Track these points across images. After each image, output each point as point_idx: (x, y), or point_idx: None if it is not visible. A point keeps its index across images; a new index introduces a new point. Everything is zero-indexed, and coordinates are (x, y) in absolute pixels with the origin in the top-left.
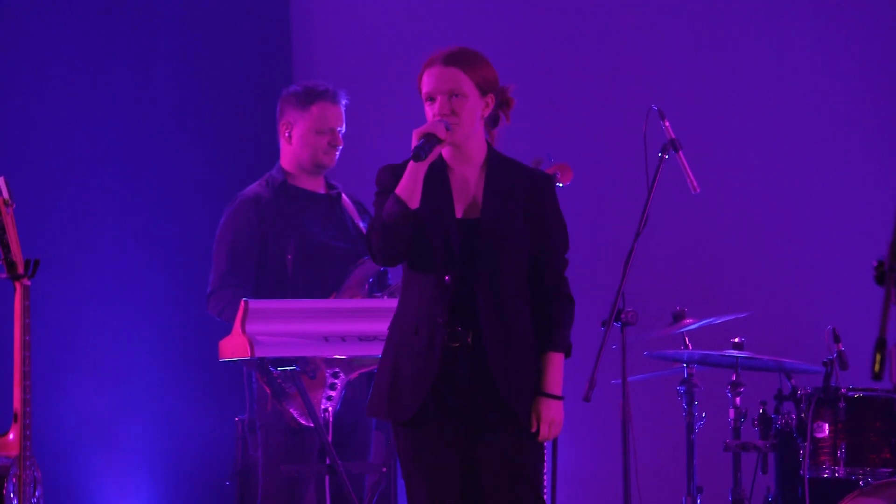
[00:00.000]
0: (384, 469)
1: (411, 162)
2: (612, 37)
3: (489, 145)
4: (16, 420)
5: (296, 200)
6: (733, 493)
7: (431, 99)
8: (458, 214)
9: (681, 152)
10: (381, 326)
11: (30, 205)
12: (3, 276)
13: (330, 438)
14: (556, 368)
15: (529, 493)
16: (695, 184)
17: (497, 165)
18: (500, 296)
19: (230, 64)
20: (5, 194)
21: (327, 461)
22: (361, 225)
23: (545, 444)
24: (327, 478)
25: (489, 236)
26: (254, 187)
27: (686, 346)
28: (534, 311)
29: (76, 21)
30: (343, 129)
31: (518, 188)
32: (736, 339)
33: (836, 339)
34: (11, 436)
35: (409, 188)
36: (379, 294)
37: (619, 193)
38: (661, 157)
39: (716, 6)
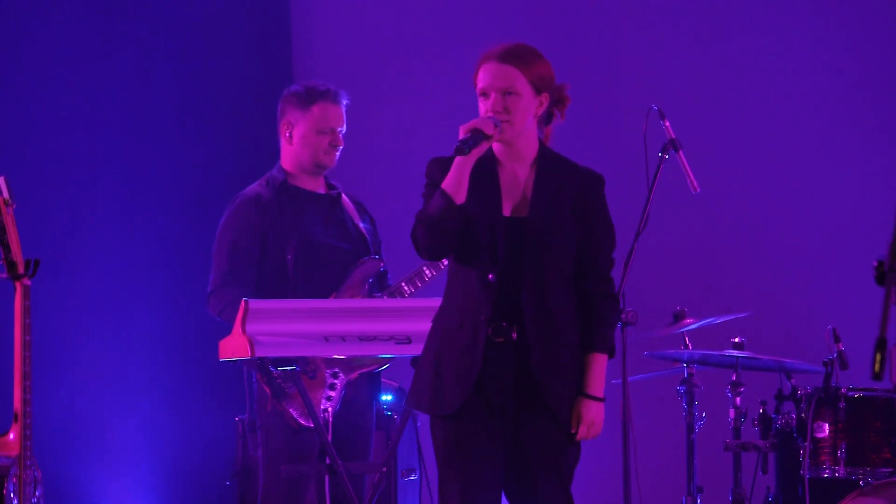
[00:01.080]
0: (384, 469)
1: (458, 158)
2: (612, 37)
3: (541, 143)
4: (16, 420)
5: (296, 200)
6: (733, 493)
7: (485, 94)
8: (507, 212)
9: (681, 152)
10: (382, 326)
11: (30, 205)
12: (3, 276)
13: (329, 438)
14: (598, 369)
15: (560, 493)
16: (695, 184)
17: (548, 163)
18: (544, 294)
19: (230, 64)
20: (5, 194)
21: (327, 461)
22: (362, 225)
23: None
24: (327, 478)
25: (536, 235)
26: (254, 187)
27: (686, 346)
28: (578, 311)
29: (76, 21)
30: (344, 129)
31: (568, 186)
32: (736, 339)
33: (836, 339)
34: (11, 436)
35: (455, 183)
36: (379, 294)
37: (619, 193)
38: (661, 157)
39: (716, 6)
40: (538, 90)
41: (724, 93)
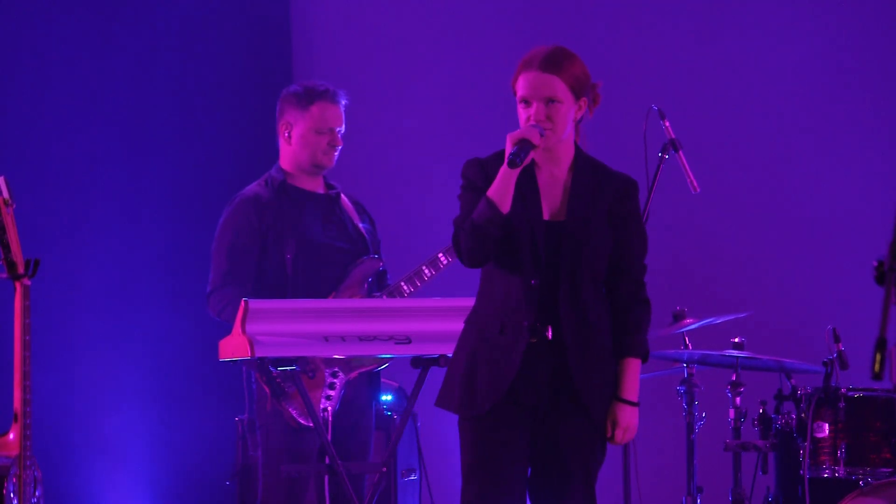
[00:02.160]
0: (384, 469)
1: (504, 166)
2: (612, 37)
3: (577, 146)
4: (16, 420)
5: (295, 200)
6: (733, 493)
7: (527, 102)
8: (546, 216)
9: (681, 152)
10: (381, 326)
11: (30, 205)
12: (3, 276)
13: (329, 438)
14: (633, 374)
15: (586, 491)
16: (695, 184)
17: (584, 167)
18: (580, 297)
19: (230, 64)
20: (5, 194)
21: (327, 461)
22: (361, 225)
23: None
24: (327, 477)
25: (574, 239)
26: (253, 187)
27: (686, 346)
28: (612, 315)
29: (76, 22)
30: (343, 129)
31: (604, 190)
32: (736, 339)
33: (836, 339)
34: (11, 436)
35: (502, 192)
36: (378, 294)
37: None
38: (661, 157)
39: (716, 6)
40: (577, 95)
41: (724, 93)
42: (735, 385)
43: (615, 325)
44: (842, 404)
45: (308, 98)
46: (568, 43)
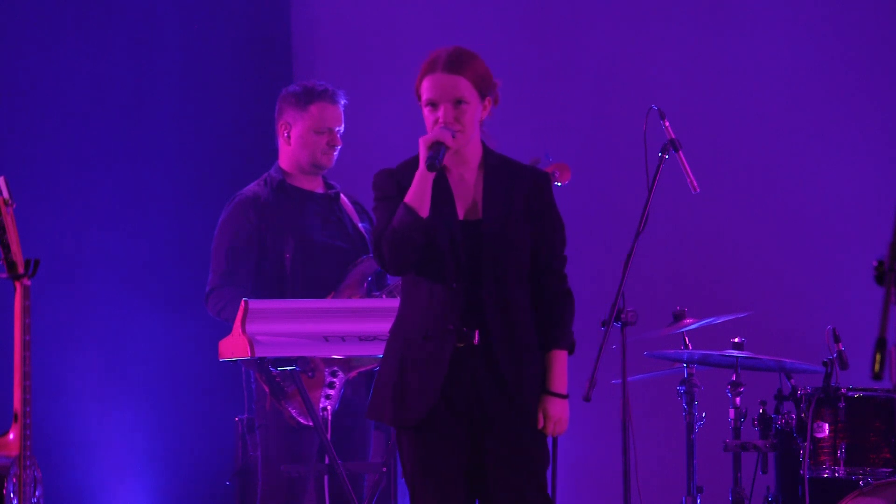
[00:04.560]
0: (384, 469)
1: (421, 170)
2: (612, 37)
3: (484, 144)
4: (16, 420)
5: (294, 200)
6: (733, 493)
7: (433, 105)
8: (461, 216)
9: (681, 152)
10: (381, 326)
11: (30, 205)
12: (3, 276)
13: (329, 437)
14: (560, 366)
15: (535, 488)
16: (695, 184)
17: (494, 165)
18: (504, 295)
19: (230, 64)
20: (5, 194)
21: (326, 461)
22: (360, 226)
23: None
24: (326, 477)
25: (492, 237)
26: (252, 187)
27: (686, 346)
28: (535, 309)
29: (76, 22)
30: (342, 129)
31: (517, 186)
32: (736, 339)
33: (836, 339)
34: (11, 436)
35: (419, 196)
36: (377, 293)
37: (619, 193)
38: (661, 157)
39: (715, 6)
40: (482, 95)
41: (724, 93)
42: (735, 385)
43: (540, 319)
44: (842, 404)
45: (307, 98)
46: (568, 43)
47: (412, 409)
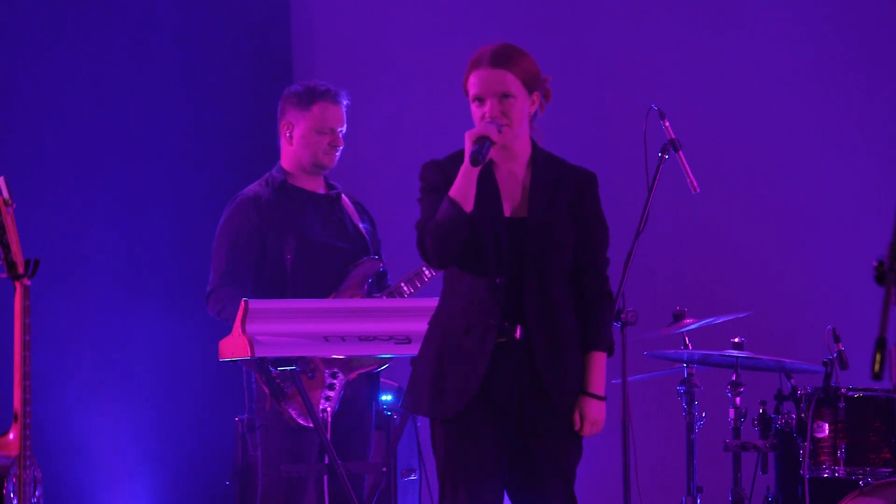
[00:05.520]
0: (384, 469)
1: (465, 165)
2: (612, 37)
3: (533, 141)
4: (16, 420)
5: (295, 200)
6: (733, 493)
7: (480, 100)
8: (507, 213)
9: (681, 152)
10: (382, 326)
11: (30, 205)
12: (3, 276)
13: (329, 438)
14: (599, 368)
15: (563, 485)
16: (695, 184)
17: (542, 162)
18: (546, 293)
19: (231, 64)
20: (5, 194)
21: (326, 461)
22: (361, 226)
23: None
24: (326, 477)
25: (537, 235)
26: (253, 187)
27: (686, 346)
28: (577, 309)
29: (76, 22)
30: (344, 129)
31: (563, 184)
32: (736, 339)
33: (836, 339)
34: (11, 436)
35: (464, 191)
36: (378, 294)
37: (619, 193)
38: (661, 157)
39: (716, 6)
40: (530, 90)
41: (724, 93)
42: (735, 385)
43: (580, 320)
44: (842, 404)
45: (309, 98)
46: (568, 43)
47: (450, 401)
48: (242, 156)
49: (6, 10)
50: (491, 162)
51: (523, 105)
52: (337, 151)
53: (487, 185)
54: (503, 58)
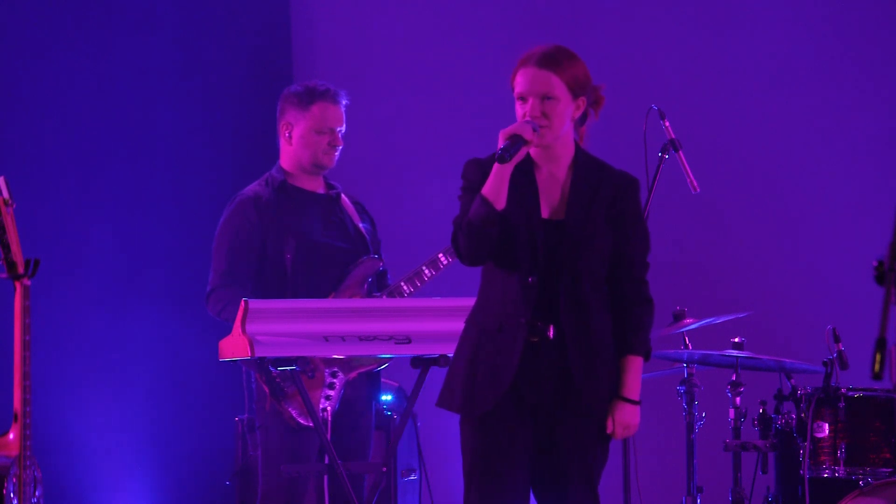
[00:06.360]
0: (384, 469)
1: (496, 163)
2: (612, 37)
3: (577, 145)
4: (16, 420)
5: (295, 200)
6: (733, 492)
7: (523, 99)
8: (545, 214)
9: (681, 152)
10: (381, 326)
11: (30, 205)
12: (3, 276)
13: (329, 438)
14: (635, 372)
15: (590, 493)
16: (695, 184)
17: (584, 165)
18: (580, 296)
19: (230, 64)
20: (5, 194)
21: (326, 461)
22: (361, 226)
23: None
24: (326, 477)
25: (573, 238)
26: (253, 187)
27: (686, 346)
28: (614, 314)
29: (76, 21)
30: (343, 129)
31: (604, 189)
32: (736, 339)
33: (836, 339)
34: (11, 436)
35: (495, 190)
36: (378, 294)
37: None
38: (661, 157)
39: (716, 6)
40: (575, 94)
41: (724, 93)
42: (735, 385)
43: (617, 324)
44: (842, 404)
45: (309, 98)
46: (568, 42)
47: (480, 399)
48: (242, 156)
49: (6, 10)
50: (532, 163)
51: (566, 108)
52: (336, 151)
53: (527, 185)
54: (551, 59)
